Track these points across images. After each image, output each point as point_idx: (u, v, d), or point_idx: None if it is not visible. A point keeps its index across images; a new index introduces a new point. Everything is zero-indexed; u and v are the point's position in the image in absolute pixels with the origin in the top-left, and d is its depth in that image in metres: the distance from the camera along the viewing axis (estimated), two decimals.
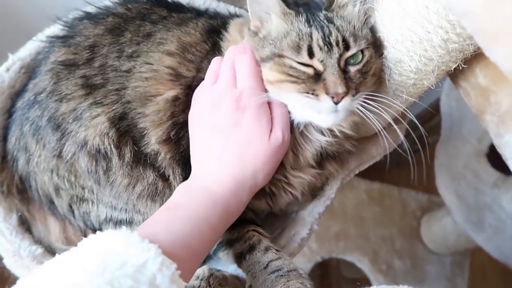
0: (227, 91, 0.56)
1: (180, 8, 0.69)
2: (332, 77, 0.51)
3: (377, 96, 0.55)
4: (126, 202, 0.61)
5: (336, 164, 0.67)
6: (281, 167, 0.61)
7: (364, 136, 0.76)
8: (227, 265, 0.66)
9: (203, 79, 0.60)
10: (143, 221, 0.61)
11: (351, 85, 0.53)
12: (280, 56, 0.54)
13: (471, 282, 1.53)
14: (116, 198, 0.61)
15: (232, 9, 0.85)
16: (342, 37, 0.53)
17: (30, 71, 0.71)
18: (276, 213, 0.71)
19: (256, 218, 0.67)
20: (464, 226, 1.14)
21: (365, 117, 0.55)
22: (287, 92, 0.54)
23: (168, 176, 0.61)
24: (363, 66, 0.54)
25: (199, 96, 0.59)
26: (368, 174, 1.70)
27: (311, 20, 0.54)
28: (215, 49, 0.63)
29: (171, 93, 0.59)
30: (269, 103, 0.56)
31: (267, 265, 0.58)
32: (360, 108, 0.54)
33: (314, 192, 0.70)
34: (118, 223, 0.63)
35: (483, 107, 0.63)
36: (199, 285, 0.60)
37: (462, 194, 1.15)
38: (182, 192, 0.54)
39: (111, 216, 0.62)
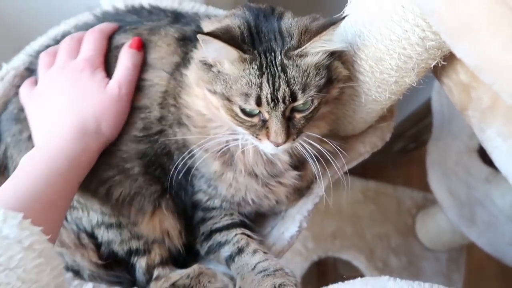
0: (66, 62, 0.63)
1: (154, 16, 0.71)
2: (275, 128, 0.53)
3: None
4: (112, 208, 0.62)
5: (319, 165, 0.68)
6: (258, 177, 0.63)
7: (351, 134, 0.77)
8: (218, 265, 0.67)
9: (178, 82, 0.62)
10: (129, 223, 0.63)
11: (292, 132, 0.54)
12: (229, 100, 0.53)
13: (469, 278, 1.54)
14: (102, 205, 0.62)
15: (221, 13, 0.86)
16: (290, 91, 0.52)
17: (23, 79, 0.73)
18: (265, 213, 0.72)
19: (246, 219, 0.69)
20: (456, 222, 1.15)
21: (304, 152, 0.58)
22: (236, 126, 0.56)
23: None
24: (309, 113, 0.55)
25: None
26: (365, 173, 1.71)
27: (264, 66, 0.51)
28: (186, 59, 0.63)
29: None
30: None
31: (254, 266, 0.60)
32: (300, 146, 0.57)
33: (301, 191, 0.71)
34: (109, 226, 0.64)
35: (465, 103, 0.64)
36: (189, 284, 0.62)
37: (454, 190, 1.16)
38: (24, 160, 0.55)
39: (102, 220, 0.63)
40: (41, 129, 0.60)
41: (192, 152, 0.63)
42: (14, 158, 0.64)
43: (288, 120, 0.54)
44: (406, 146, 1.85)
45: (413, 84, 0.59)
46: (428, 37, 0.49)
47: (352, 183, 1.60)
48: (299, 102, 0.53)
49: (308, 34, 0.52)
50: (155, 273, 0.65)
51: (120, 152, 0.63)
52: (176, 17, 0.72)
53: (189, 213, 0.69)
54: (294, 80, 0.52)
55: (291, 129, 0.54)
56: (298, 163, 0.66)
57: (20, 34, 0.92)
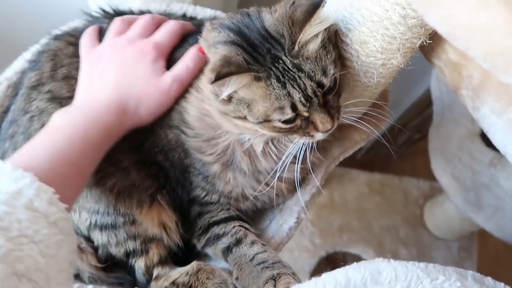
0: (137, 38, 0.63)
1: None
2: (320, 119, 0.54)
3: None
4: (107, 204, 0.62)
5: (317, 154, 0.68)
6: (261, 174, 0.63)
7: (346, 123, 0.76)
8: (215, 260, 0.67)
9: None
10: (125, 222, 0.63)
11: (334, 114, 0.56)
12: (267, 120, 0.54)
13: (485, 266, 1.51)
14: (97, 201, 0.62)
15: (208, 12, 0.87)
16: (316, 82, 0.53)
17: (16, 89, 0.73)
18: (263, 207, 0.72)
19: (243, 215, 0.69)
20: (463, 208, 1.13)
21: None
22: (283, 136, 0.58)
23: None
24: (337, 89, 0.56)
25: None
26: (371, 166, 1.70)
27: (281, 75, 0.52)
28: None
29: None
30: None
31: (253, 257, 0.59)
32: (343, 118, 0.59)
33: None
34: (103, 228, 0.64)
35: (457, 82, 0.63)
36: (189, 281, 0.61)
37: (458, 175, 1.15)
38: (61, 116, 0.55)
39: (95, 221, 0.63)
40: (87, 90, 0.61)
41: (188, 152, 0.63)
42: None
43: (325, 106, 0.55)
44: (411, 137, 1.83)
45: (400, 66, 0.59)
46: (409, 15, 0.48)
47: (357, 176, 1.59)
48: (327, 86, 0.54)
49: (297, 25, 0.52)
50: (155, 272, 0.65)
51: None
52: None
53: (186, 208, 0.68)
54: (312, 71, 0.53)
55: (331, 112, 0.56)
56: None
57: (12, 44, 0.93)
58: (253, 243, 0.62)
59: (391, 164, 1.79)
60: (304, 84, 0.52)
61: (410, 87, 1.64)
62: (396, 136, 1.86)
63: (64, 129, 0.53)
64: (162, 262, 0.66)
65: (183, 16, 0.81)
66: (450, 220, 1.40)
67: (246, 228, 0.65)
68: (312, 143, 0.60)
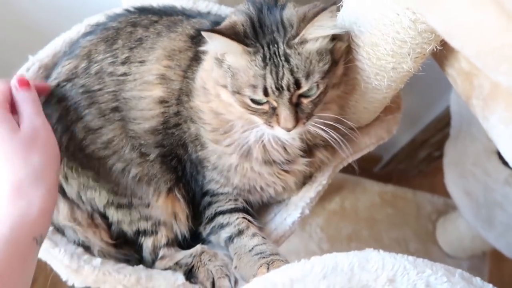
0: None
1: (170, 12, 0.74)
2: (283, 114, 0.55)
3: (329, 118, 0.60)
4: (125, 187, 0.66)
5: (326, 152, 0.70)
6: (274, 165, 0.65)
7: (357, 126, 0.78)
8: (218, 248, 0.70)
9: (190, 83, 0.65)
10: (140, 204, 0.67)
11: (301, 117, 0.57)
12: (240, 93, 0.56)
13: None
14: (116, 183, 0.66)
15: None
16: (294, 79, 0.54)
17: (47, 70, 0.79)
18: (269, 201, 0.74)
19: (249, 208, 0.72)
20: (474, 224, 1.12)
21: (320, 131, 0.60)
22: (250, 116, 0.59)
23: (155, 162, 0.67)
24: (315, 97, 0.57)
25: None
26: (389, 180, 1.69)
27: (268, 57, 0.54)
28: (197, 58, 0.66)
29: (157, 93, 0.66)
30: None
31: (252, 248, 0.62)
32: (312, 127, 0.59)
33: (304, 180, 0.73)
34: (119, 206, 0.68)
35: (469, 91, 0.64)
36: (192, 262, 0.64)
37: (471, 191, 1.14)
38: None
39: (112, 200, 0.67)
40: None
41: (206, 145, 0.66)
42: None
43: (296, 106, 0.56)
44: (431, 153, 1.81)
45: (410, 71, 0.60)
46: (419, 20, 0.50)
47: (370, 186, 1.59)
48: (304, 88, 0.55)
49: (305, 21, 0.54)
50: (161, 253, 0.68)
51: (139, 140, 0.67)
52: (189, 15, 0.75)
53: (198, 200, 0.72)
54: (297, 68, 0.54)
55: (299, 114, 0.56)
56: (308, 150, 0.68)
57: (47, 28, 0.99)
58: (254, 235, 0.64)
59: (409, 180, 1.77)
60: (283, 74, 0.53)
61: (432, 103, 1.62)
62: (415, 152, 1.84)
63: None
64: (168, 244, 0.69)
65: (208, 13, 0.84)
66: (462, 238, 1.38)
67: (249, 221, 0.68)
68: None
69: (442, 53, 0.60)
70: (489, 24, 0.29)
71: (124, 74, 0.67)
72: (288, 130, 0.56)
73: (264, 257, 0.60)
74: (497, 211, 1.10)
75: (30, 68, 0.77)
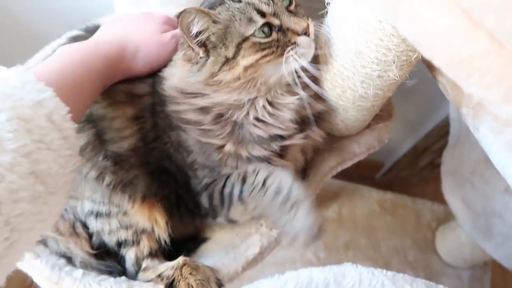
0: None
1: None
2: (292, 20, 0.58)
3: None
4: (102, 195, 0.64)
5: (320, 131, 0.68)
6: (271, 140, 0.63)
7: (346, 134, 0.77)
8: (205, 259, 0.68)
9: (159, 94, 0.64)
10: (119, 212, 0.66)
11: (304, 16, 0.60)
12: (245, 39, 0.57)
13: None
14: (94, 191, 0.65)
15: None
16: None
17: None
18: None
19: None
20: (472, 234, 1.09)
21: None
22: (267, 63, 0.58)
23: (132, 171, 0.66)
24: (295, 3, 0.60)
25: None
26: (391, 187, 1.66)
27: None
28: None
29: (129, 111, 0.65)
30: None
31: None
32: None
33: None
34: (98, 215, 0.66)
35: (459, 100, 0.63)
36: (173, 274, 0.63)
37: (469, 200, 1.11)
38: (66, 47, 0.59)
39: (92, 209, 0.66)
40: (98, 33, 0.68)
41: (190, 148, 0.65)
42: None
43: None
44: (433, 160, 1.79)
45: (397, 79, 0.59)
46: None
47: (368, 193, 1.56)
48: None
49: None
50: (144, 264, 0.67)
51: (122, 157, 0.65)
52: None
53: (197, 201, 0.70)
54: None
55: (300, 16, 0.59)
56: (301, 123, 0.66)
57: (38, 36, 0.99)
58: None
59: (411, 187, 1.75)
60: None
61: (434, 110, 1.60)
62: (417, 159, 1.82)
63: (74, 56, 0.57)
64: (152, 255, 0.68)
65: None
66: (462, 247, 1.35)
67: None
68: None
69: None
70: (456, 32, 0.27)
71: None
72: (306, 32, 0.58)
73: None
74: (496, 221, 1.07)
75: None
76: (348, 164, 0.77)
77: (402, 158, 1.73)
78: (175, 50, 0.66)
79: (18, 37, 1.22)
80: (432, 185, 1.80)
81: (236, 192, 0.64)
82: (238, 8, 0.57)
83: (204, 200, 0.68)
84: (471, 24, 0.25)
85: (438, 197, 1.69)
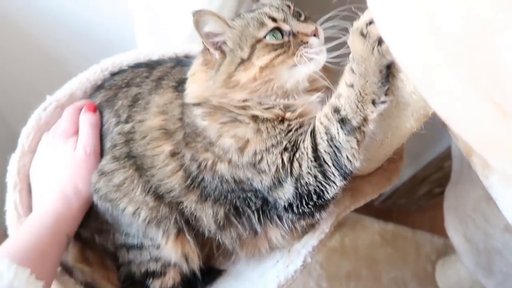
0: (52, 134, 0.77)
1: (160, 61, 0.79)
2: (301, 25, 0.62)
3: None
4: (137, 229, 0.67)
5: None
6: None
7: (359, 174, 0.80)
8: None
9: (188, 130, 0.66)
10: (151, 245, 0.68)
11: (311, 22, 0.64)
12: (258, 41, 0.61)
13: None
14: (128, 226, 0.67)
15: None
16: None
17: (63, 109, 0.81)
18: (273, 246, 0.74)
19: None
20: (473, 270, 1.12)
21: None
22: (281, 64, 0.61)
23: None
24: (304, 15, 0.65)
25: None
26: (390, 216, 1.69)
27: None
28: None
29: (167, 147, 0.67)
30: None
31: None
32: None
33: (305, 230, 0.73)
34: (130, 248, 0.69)
35: (469, 149, 0.66)
36: None
37: (471, 237, 1.14)
38: (28, 219, 0.65)
39: (125, 242, 0.69)
40: (36, 196, 0.73)
41: (237, 173, 0.63)
42: None
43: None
44: (431, 190, 1.82)
45: (413, 130, 0.62)
46: None
47: (370, 224, 1.59)
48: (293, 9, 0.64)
49: None
50: None
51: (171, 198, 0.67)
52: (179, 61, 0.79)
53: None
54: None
55: (308, 21, 0.64)
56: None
57: (64, 68, 1.03)
58: None
59: (409, 215, 1.77)
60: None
61: (434, 141, 1.65)
62: (416, 188, 1.85)
63: (27, 226, 0.62)
64: (174, 287, 0.70)
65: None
66: (461, 281, 1.37)
67: None
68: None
69: None
70: (486, 119, 0.31)
71: (130, 132, 0.70)
72: (316, 34, 0.61)
73: None
74: (497, 258, 1.10)
75: (47, 107, 0.80)
76: (361, 203, 0.80)
77: (402, 187, 1.76)
78: (97, 153, 0.72)
79: (39, 72, 1.26)
80: (429, 214, 1.83)
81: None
82: (252, 16, 0.63)
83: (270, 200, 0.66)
84: (500, 113, 0.29)
85: (435, 226, 1.71)
